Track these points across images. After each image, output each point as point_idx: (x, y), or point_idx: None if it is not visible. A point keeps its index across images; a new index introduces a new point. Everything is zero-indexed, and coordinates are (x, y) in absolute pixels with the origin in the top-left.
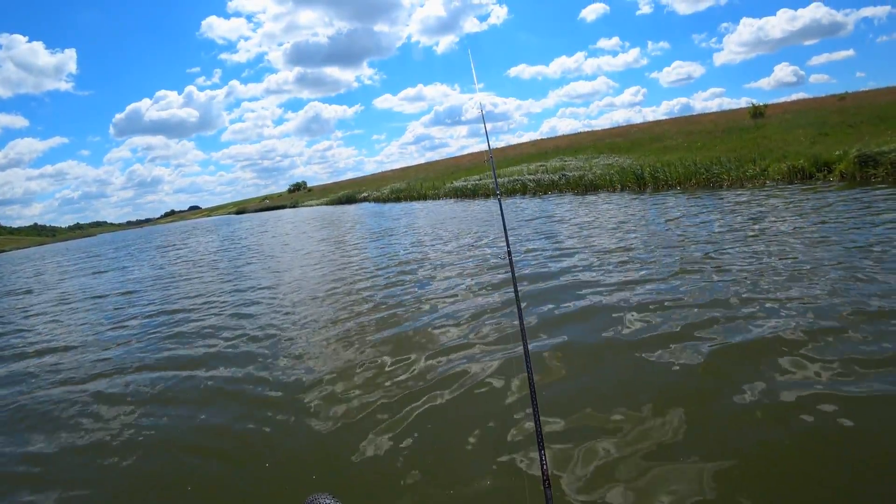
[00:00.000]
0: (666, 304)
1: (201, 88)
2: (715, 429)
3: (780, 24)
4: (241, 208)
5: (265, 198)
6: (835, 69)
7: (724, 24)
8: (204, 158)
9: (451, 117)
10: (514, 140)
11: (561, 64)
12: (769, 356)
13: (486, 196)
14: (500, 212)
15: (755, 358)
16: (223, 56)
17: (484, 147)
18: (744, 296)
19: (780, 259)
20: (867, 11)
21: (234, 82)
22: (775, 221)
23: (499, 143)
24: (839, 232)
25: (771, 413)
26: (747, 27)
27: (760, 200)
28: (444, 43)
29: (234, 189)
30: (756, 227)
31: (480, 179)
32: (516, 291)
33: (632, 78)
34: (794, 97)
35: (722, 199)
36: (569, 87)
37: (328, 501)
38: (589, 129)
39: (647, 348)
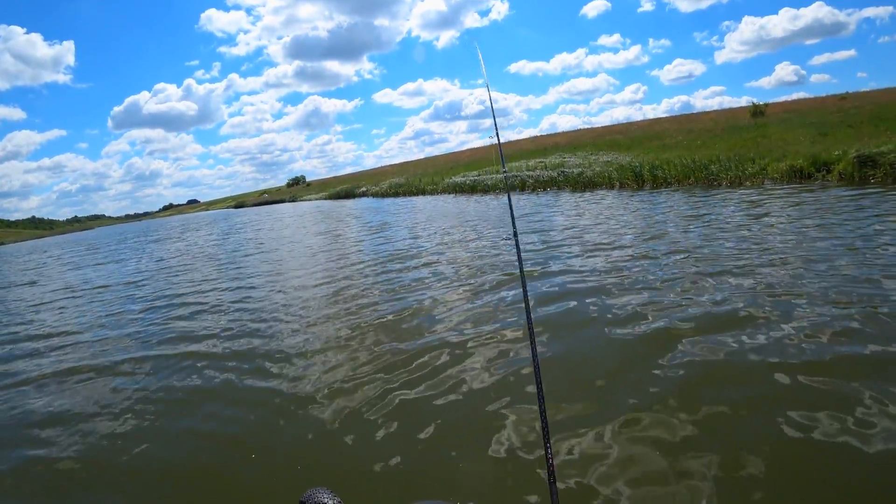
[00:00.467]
0: (649, 287)
1: (200, 82)
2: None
3: (781, 23)
4: (239, 202)
5: (264, 192)
6: (836, 69)
7: (726, 23)
8: (203, 152)
9: (451, 112)
10: (513, 136)
11: (561, 60)
12: (717, 332)
13: (484, 192)
14: (497, 206)
15: (704, 334)
16: (222, 49)
17: (483, 143)
18: (709, 282)
19: (758, 254)
20: (869, 12)
21: (234, 76)
22: (760, 217)
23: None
24: (823, 228)
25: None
26: (749, 26)
27: (752, 198)
28: (445, 38)
29: (233, 183)
30: (740, 222)
31: (479, 175)
32: (523, 279)
33: (632, 75)
34: (794, 96)
35: (714, 196)
36: (569, 83)
37: (326, 497)
38: (588, 126)
39: (615, 325)
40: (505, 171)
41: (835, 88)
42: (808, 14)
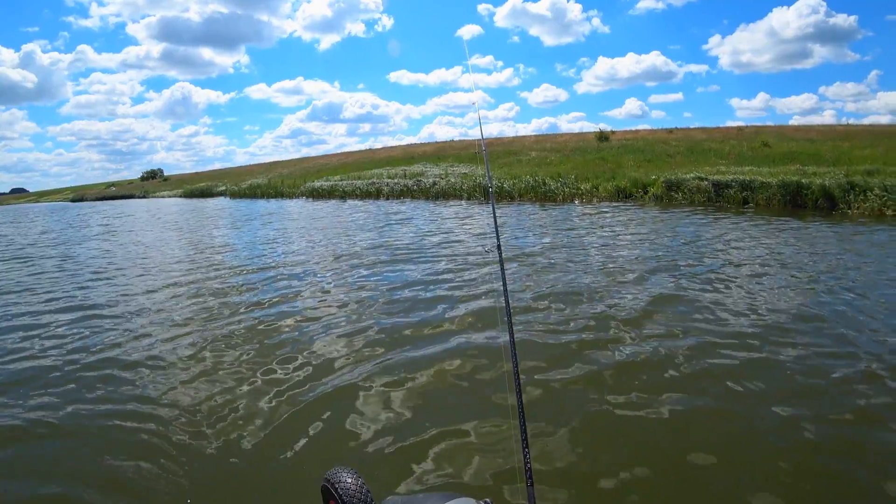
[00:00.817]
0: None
1: (44, 51)
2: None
3: (628, 65)
4: (78, 195)
5: (111, 184)
6: (669, 108)
7: (583, 59)
8: (38, 132)
9: (330, 114)
10: (392, 142)
11: (440, 76)
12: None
13: (342, 197)
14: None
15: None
16: (69, 19)
17: (358, 147)
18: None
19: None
20: (692, 67)
21: (85, 47)
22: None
23: (377, 143)
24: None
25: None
26: (602, 64)
27: (555, 213)
28: (327, 41)
29: (76, 171)
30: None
31: (341, 180)
32: (504, 286)
33: (505, 95)
34: (639, 127)
35: (536, 210)
36: (447, 97)
37: (349, 476)
38: (462, 138)
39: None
40: (490, 187)
41: (668, 123)
42: (648, 60)
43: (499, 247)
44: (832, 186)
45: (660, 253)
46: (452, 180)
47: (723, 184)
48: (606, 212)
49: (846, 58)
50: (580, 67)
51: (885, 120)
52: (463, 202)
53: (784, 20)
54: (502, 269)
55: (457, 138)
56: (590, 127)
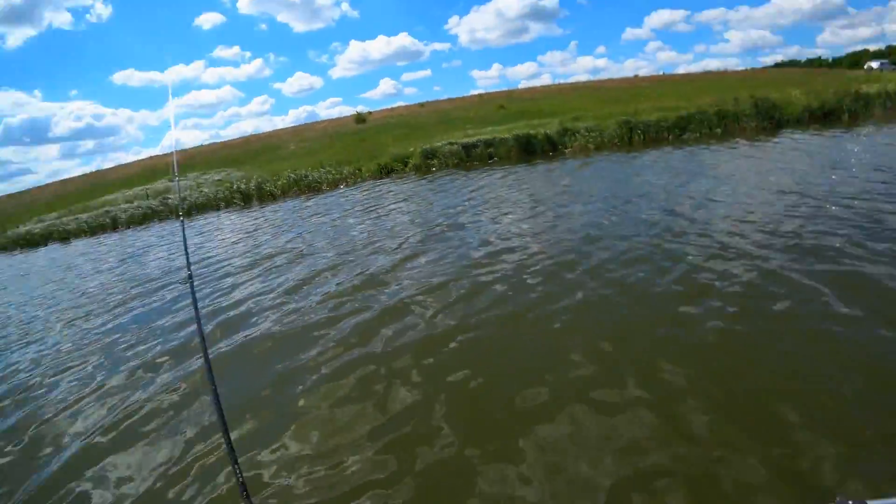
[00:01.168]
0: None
1: None
2: None
3: (379, 47)
4: None
5: None
6: (420, 84)
7: (335, 44)
8: None
9: (33, 134)
10: (128, 158)
11: (178, 72)
12: None
13: (64, 239)
14: None
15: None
16: None
17: (82, 171)
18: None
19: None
20: (437, 45)
21: None
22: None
23: (107, 162)
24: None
25: None
26: (354, 48)
27: (313, 203)
28: (18, 37)
29: None
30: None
31: (59, 217)
32: (197, 315)
33: (257, 87)
34: (395, 105)
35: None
36: (190, 96)
37: None
38: (216, 141)
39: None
40: (181, 217)
41: (420, 98)
42: (397, 41)
43: (190, 276)
44: (553, 134)
45: (409, 218)
46: (206, 190)
47: (470, 145)
48: (367, 190)
49: (555, 31)
50: (333, 52)
51: (584, 78)
52: (221, 213)
53: (507, 2)
54: (194, 299)
55: (207, 142)
56: (349, 111)
